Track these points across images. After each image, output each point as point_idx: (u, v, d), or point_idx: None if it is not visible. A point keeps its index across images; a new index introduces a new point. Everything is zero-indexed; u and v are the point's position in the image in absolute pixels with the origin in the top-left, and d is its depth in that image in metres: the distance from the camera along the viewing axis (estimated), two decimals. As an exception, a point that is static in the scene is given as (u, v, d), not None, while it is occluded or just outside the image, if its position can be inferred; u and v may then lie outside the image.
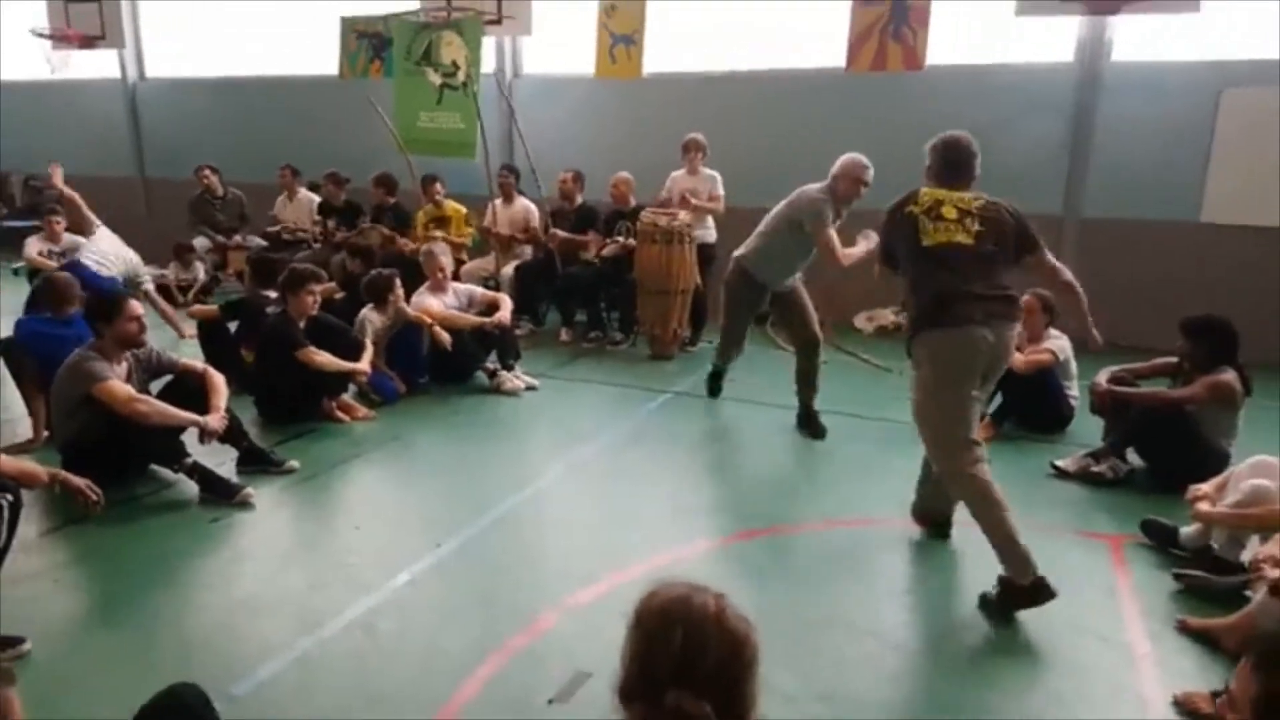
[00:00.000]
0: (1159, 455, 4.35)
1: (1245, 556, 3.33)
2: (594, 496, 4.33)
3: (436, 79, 7.86)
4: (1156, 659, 2.90)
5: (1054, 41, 7.29)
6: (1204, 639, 2.97)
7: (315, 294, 5.23)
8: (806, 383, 5.09)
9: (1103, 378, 4.62)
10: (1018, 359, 5.00)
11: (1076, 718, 2.62)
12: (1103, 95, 7.13)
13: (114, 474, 3.84)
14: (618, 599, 2.76)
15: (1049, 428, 5.07)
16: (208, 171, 9.34)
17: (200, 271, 8.87)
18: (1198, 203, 6.93)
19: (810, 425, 5.08)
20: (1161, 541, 3.65)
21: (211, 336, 5.79)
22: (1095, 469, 4.37)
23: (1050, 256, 3.44)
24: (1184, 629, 3.04)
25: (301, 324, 5.15)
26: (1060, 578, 3.39)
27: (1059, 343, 5.01)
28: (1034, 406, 5.07)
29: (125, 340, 4.13)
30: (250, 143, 10.39)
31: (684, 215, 6.69)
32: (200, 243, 9.14)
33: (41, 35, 10.26)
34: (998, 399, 5.07)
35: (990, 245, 3.24)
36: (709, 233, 7.11)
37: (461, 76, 7.72)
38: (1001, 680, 2.82)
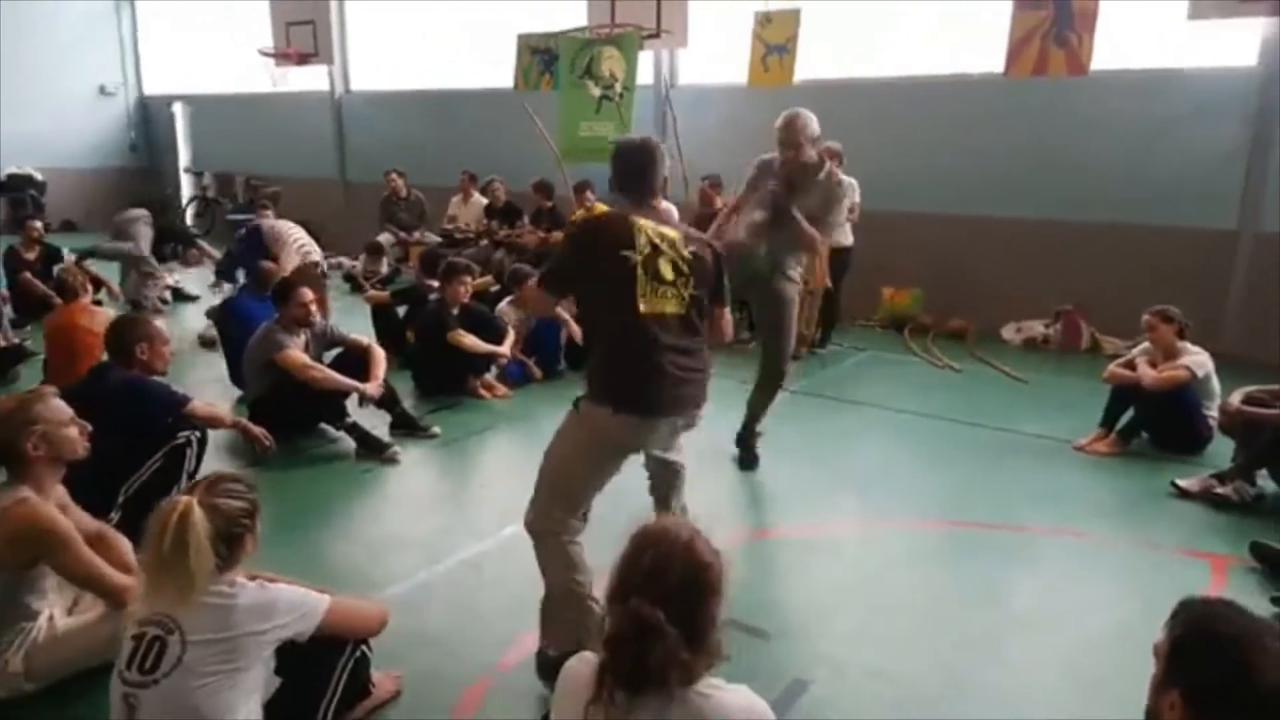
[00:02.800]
0: (1293, 480, 4.12)
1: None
2: (708, 476, 4.61)
3: (596, 91, 8.42)
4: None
5: (1236, 44, 6.85)
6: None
7: (467, 285, 5.87)
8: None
9: (1236, 397, 4.39)
10: (1149, 375, 4.81)
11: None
12: (1289, 101, 6.62)
13: (289, 427, 4.59)
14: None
15: (1184, 448, 4.82)
16: (394, 175, 10.43)
17: (384, 265, 9.91)
18: (1394, 218, 6.31)
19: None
20: (1270, 565, 3.49)
21: (382, 318, 6.58)
22: (1219, 490, 4.17)
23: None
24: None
25: (455, 311, 5.78)
26: (1151, 592, 3.35)
27: (1197, 358, 4.75)
28: (1166, 424, 4.86)
29: (296, 320, 4.86)
30: (432, 149, 11.43)
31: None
32: (386, 238, 10.21)
33: (267, 54, 11.78)
34: (1128, 414, 4.91)
35: (696, 310, 2.65)
36: (845, 236, 7.20)
37: (619, 89, 8.22)
38: (1056, 673, 2.89)
